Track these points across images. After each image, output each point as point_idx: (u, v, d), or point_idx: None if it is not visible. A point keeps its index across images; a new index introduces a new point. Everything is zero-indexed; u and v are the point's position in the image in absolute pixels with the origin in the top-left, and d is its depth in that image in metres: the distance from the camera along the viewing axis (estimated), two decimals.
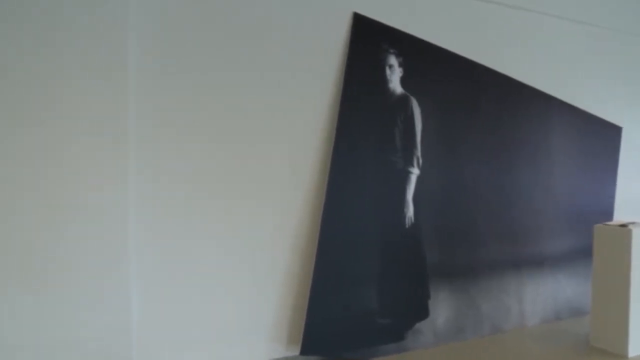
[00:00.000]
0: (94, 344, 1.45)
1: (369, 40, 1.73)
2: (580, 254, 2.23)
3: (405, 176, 1.80)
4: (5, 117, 1.39)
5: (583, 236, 2.12)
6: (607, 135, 2.42)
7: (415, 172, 1.82)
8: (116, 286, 1.47)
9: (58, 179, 1.43)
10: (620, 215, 2.44)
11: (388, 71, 1.77)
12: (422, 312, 1.86)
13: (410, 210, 1.81)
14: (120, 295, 1.48)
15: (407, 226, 1.81)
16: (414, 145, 1.82)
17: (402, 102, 1.80)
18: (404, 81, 1.79)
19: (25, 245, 1.42)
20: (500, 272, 2.05)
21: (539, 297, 2.17)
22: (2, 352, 1.41)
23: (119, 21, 1.44)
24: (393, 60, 1.77)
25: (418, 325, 1.84)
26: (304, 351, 1.65)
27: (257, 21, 1.60)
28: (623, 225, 1.69)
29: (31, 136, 1.41)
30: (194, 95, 1.54)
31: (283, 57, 1.63)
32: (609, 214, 2.43)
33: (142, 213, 1.50)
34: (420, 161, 1.83)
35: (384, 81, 1.76)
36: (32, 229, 1.42)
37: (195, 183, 1.55)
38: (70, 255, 1.44)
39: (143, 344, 1.51)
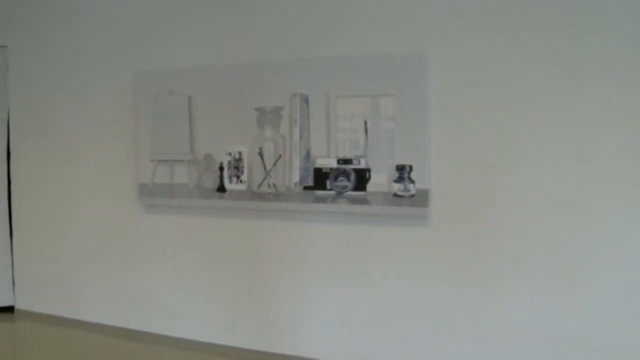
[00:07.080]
0: (618, 345, 1.48)
1: None
2: None
3: None
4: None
5: None
6: None
7: None
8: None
9: (588, 180, 1.51)
10: None
11: None
12: None
13: None
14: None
15: None
16: None
17: None
18: None
19: (546, 246, 1.53)
20: None
21: None
22: (525, 340, 1.63)
23: None
24: None
25: None
26: None
27: None
28: None
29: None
30: None
31: None
32: None
33: None
34: None
35: None
36: (551, 229, 1.53)
37: None
38: (589, 256, 1.49)
39: None
